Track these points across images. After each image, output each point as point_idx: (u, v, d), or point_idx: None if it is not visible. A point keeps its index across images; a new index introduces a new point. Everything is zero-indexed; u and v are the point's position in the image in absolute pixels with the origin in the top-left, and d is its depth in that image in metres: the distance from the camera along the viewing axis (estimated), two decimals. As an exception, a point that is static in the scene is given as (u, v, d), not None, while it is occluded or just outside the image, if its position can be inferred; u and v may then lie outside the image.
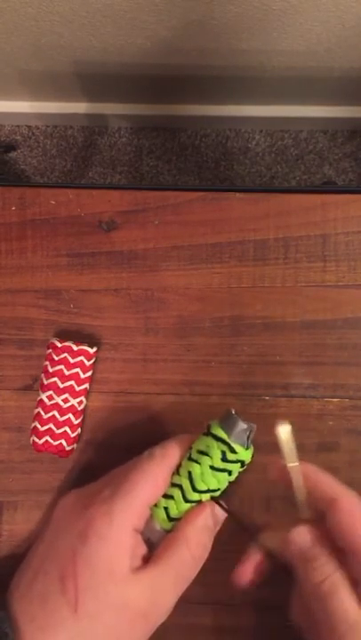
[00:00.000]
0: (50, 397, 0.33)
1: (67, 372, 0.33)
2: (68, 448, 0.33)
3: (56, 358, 0.33)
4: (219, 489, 0.28)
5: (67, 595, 0.24)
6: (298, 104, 0.95)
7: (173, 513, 0.27)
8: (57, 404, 0.33)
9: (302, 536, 0.26)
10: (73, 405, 0.33)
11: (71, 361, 0.33)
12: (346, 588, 0.24)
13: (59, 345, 0.33)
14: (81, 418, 0.33)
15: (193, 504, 0.28)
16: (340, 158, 1.04)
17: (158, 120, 1.00)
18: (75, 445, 0.33)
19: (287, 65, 0.78)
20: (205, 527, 0.27)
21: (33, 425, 0.33)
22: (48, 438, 0.32)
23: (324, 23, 0.66)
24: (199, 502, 0.28)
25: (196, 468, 0.27)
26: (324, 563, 0.25)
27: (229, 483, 0.28)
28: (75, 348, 0.33)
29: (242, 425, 0.27)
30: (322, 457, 0.34)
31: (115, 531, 0.25)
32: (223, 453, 0.27)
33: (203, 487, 0.27)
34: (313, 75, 0.81)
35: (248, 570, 0.27)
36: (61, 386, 0.33)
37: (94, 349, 0.33)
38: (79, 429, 0.33)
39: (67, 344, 0.33)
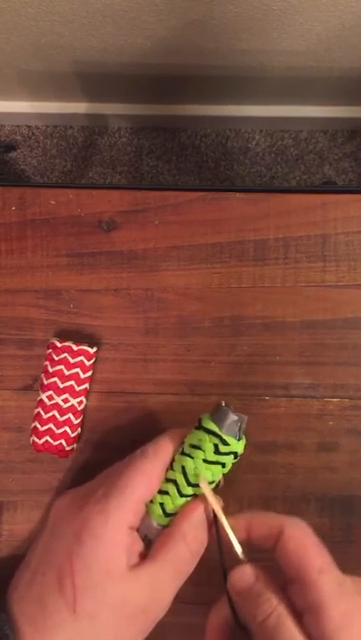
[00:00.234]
0: (50, 397, 0.33)
1: (67, 372, 0.33)
2: (67, 448, 0.33)
3: (56, 358, 0.33)
4: (213, 481, 0.28)
5: (65, 595, 0.24)
6: (298, 104, 0.95)
7: (169, 508, 0.27)
8: (57, 404, 0.33)
9: (242, 575, 0.26)
10: (73, 405, 0.33)
11: (71, 361, 0.33)
12: (290, 620, 0.23)
13: (59, 345, 0.33)
14: (81, 418, 0.33)
15: (189, 498, 0.28)
16: (340, 158, 1.04)
17: (158, 120, 1.00)
18: (74, 445, 0.33)
19: (287, 65, 0.78)
20: (201, 522, 0.27)
21: (33, 425, 0.33)
22: (48, 438, 0.32)
23: (324, 23, 0.66)
24: (195, 496, 0.28)
25: (189, 463, 0.27)
26: (267, 598, 0.24)
27: (223, 474, 0.29)
28: (75, 348, 0.33)
29: (232, 417, 0.27)
30: (322, 457, 0.34)
31: (110, 530, 0.25)
32: (216, 446, 0.27)
33: (197, 481, 0.27)
34: (313, 75, 0.81)
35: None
36: (61, 386, 0.33)
37: (94, 349, 0.33)
38: (79, 429, 0.33)
39: (67, 344, 0.33)
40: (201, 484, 0.27)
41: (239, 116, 0.97)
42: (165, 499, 0.28)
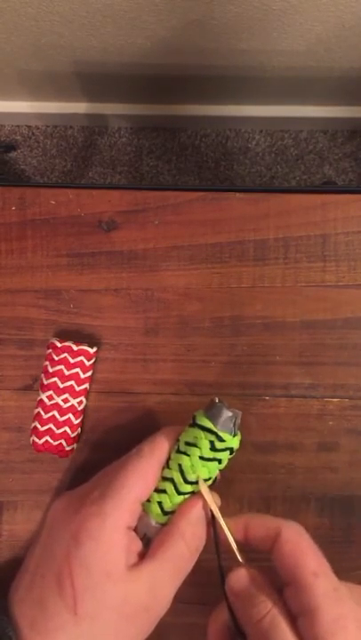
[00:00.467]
0: (50, 397, 0.33)
1: (67, 372, 0.33)
2: (67, 448, 0.33)
3: (56, 358, 0.33)
4: (210, 477, 0.28)
5: (65, 598, 0.24)
6: (298, 104, 0.95)
7: (167, 507, 0.27)
8: (57, 404, 0.33)
9: (238, 577, 0.26)
10: (73, 405, 0.33)
11: (71, 361, 0.33)
12: (285, 622, 0.23)
13: (59, 345, 0.33)
14: (81, 418, 0.33)
15: (186, 496, 0.28)
16: (340, 158, 1.04)
17: (158, 120, 1.00)
18: (74, 445, 0.33)
19: (287, 65, 0.78)
20: (199, 519, 0.27)
21: (33, 425, 0.33)
22: (48, 438, 0.32)
23: (324, 23, 0.66)
24: (192, 493, 0.28)
25: (185, 460, 0.27)
26: (262, 600, 0.24)
27: (219, 470, 0.29)
28: (75, 348, 0.33)
29: (227, 413, 0.28)
30: (322, 457, 0.34)
31: (107, 531, 0.25)
32: (212, 443, 0.27)
33: (194, 478, 0.27)
34: (313, 75, 0.81)
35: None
36: (61, 386, 0.33)
37: (94, 349, 0.33)
38: (79, 429, 0.33)
39: (67, 344, 0.33)
40: (200, 486, 0.27)
41: (239, 115, 0.97)
42: (163, 497, 0.28)
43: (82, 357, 0.33)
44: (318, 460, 0.34)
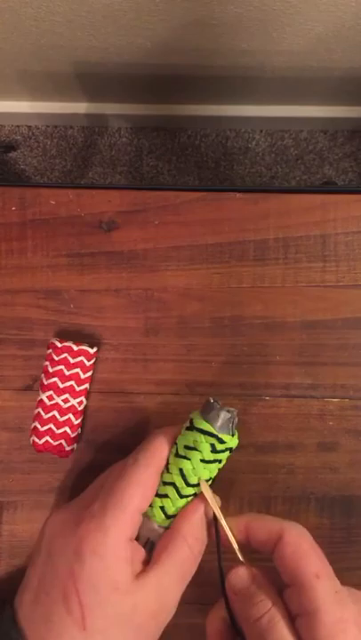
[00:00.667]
0: (50, 397, 0.33)
1: (67, 373, 0.33)
2: (67, 448, 0.33)
3: (56, 358, 0.33)
4: (211, 478, 0.28)
5: (73, 614, 0.24)
6: (298, 104, 0.95)
7: (171, 511, 0.27)
8: (57, 404, 0.33)
9: (239, 575, 0.26)
10: (73, 405, 0.33)
11: (71, 361, 0.33)
12: (283, 622, 0.23)
13: (59, 345, 0.33)
14: (81, 418, 0.33)
15: (189, 498, 0.28)
16: (340, 158, 1.04)
17: (158, 120, 1.00)
18: (75, 445, 0.33)
19: (287, 65, 0.78)
20: (202, 522, 0.27)
21: (33, 425, 0.33)
22: (48, 438, 0.32)
23: (324, 23, 0.66)
24: (194, 495, 0.28)
25: (187, 464, 0.27)
26: (261, 599, 0.24)
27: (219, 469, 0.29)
28: (75, 348, 0.33)
29: (225, 414, 0.27)
30: (322, 457, 0.34)
31: (110, 545, 0.25)
32: (212, 445, 0.27)
33: (196, 481, 0.27)
34: (313, 75, 0.81)
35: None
36: (61, 386, 0.33)
37: (94, 349, 0.33)
38: (79, 429, 0.33)
39: (67, 344, 0.33)
40: (202, 488, 0.27)
41: (239, 116, 0.97)
42: (166, 502, 0.27)
43: (82, 357, 0.33)
44: (318, 459, 0.34)
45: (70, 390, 0.33)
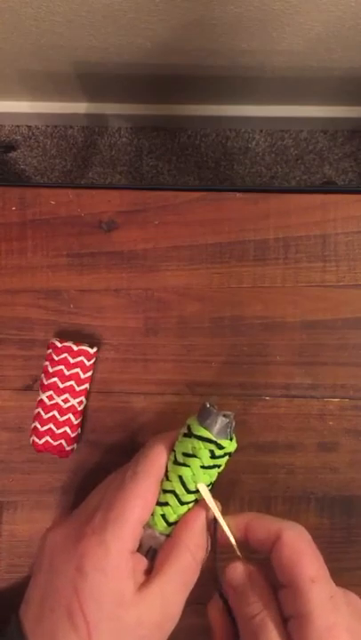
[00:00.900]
0: (50, 397, 0.33)
1: (67, 372, 0.33)
2: (67, 448, 0.33)
3: (56, 358, 0.33)
4: (211, 482, 0.28)
5: (78, 631, 0.24)
6: (298, 104, 0.95)
7: (172, 518, 0.27)
8: (57, 404, 0.33)
9: (237, 571, 0.26)
10: (73, 405, 0.33)
11: (71, 361, 0.33)
12: (274, 624, 0.23)
13: (59, 345, 0.33)
14: (81, 418, 0.33)
15: (190, 505, 0.27)
16: (340, 158, 1.04)
17: (158, 120, 1.00)
18: (75, 445, 0.33)
19: (287, 65, 0.78)
20: (203, 530, 0.27)
21: (33, 425, 0.33)
22: (48, 438, 0.32)
23: (324, 23, 0.66)
24: (195, 501, 0.28)
25: (186, 472, 0.27)
26: (254, 601, 0.24)
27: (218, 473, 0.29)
28: (75, 348, 0.33)
29: (223, 420, 0.27)
30: (322, 457, 0.34)
31: (112, 560, 0.25)
32: (211, 452, 0.27)
33: (195, 487, 0.27)
34: (313, 75, 0.81)
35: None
36: (61, 386, 0.33)
37: (94, 349, 0.33)
38: (79, 429, 0.33)
39: (67, 344, 0.33)
40: (201, 491, 0.27)
41: (239, 116, 0.97)
42: (167, 510, 0.27)
43: (82, 357, 0.33)
44: (318, 459, 0.34)
45: (70, 390, 0.33)
